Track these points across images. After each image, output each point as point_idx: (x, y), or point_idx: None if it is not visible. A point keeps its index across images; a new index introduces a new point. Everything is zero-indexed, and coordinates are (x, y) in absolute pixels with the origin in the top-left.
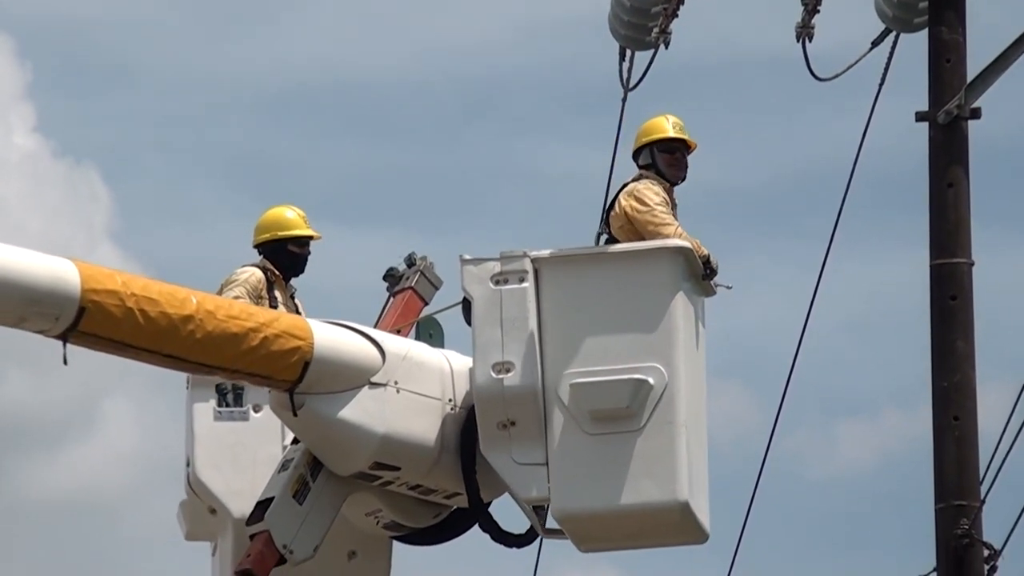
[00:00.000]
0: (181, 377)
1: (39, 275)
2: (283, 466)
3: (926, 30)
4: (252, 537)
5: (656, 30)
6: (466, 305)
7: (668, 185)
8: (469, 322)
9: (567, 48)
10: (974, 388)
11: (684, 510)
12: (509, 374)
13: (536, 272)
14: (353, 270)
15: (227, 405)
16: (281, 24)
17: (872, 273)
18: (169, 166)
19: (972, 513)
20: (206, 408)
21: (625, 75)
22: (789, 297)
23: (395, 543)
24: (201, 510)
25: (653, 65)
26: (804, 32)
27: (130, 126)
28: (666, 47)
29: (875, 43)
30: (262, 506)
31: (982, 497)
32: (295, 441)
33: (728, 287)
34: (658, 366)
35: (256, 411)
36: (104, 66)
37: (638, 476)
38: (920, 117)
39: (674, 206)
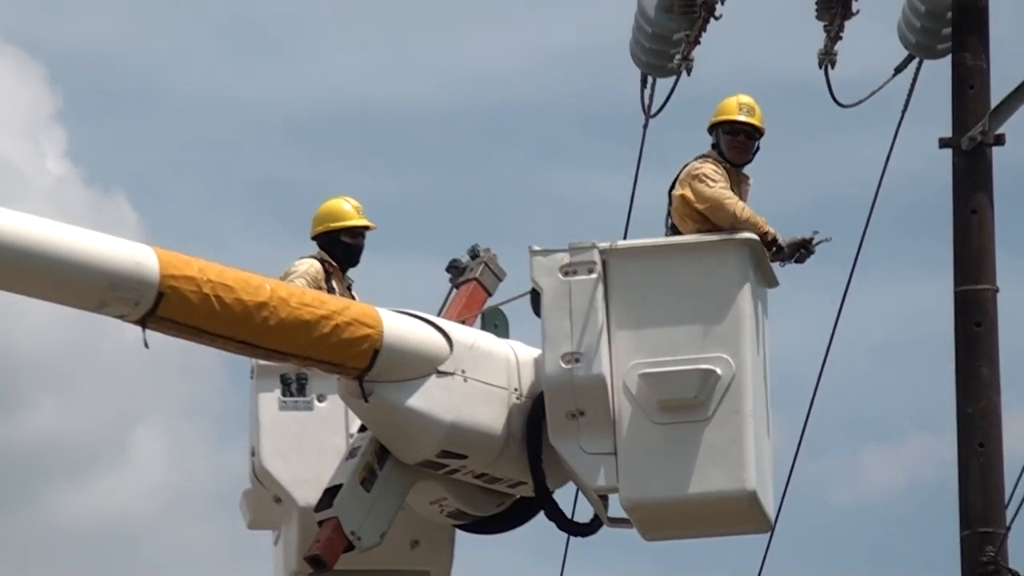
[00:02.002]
0: (210, 406)
1: (120, 260)
2: (351, 453)
3: (949, 56)
4: (320, 524)
5: (678, 57)
6: (535, 296)
7: (729, 166)
8: (538, 313)
9: (591, 74)
10: (999, 415)
11: (751, 499)
12: (578, 364)
13: (604, 263)
14: (377, 296)
15: (291, 395)
16: (306, 51)
17: (896, 299)
18: (195, 192)
19: (998, 540)
20: (271, 398)
21: (647, 101)
22: (813, 322)
23: (458, 533)
24: (265, 499)
25: (676, 91)
26: (827, 58)
27: (157, 152)
28: (688, 74)
29: (898, 69)
30: (330, 493)
31: (1008, 524)
32: (362, 429)
33: (827, 239)
34: (726, 356)
35: (320, 401)
36: (131, 93)
37: (706, 465)
38: (944, 143)
39: (740, 184)
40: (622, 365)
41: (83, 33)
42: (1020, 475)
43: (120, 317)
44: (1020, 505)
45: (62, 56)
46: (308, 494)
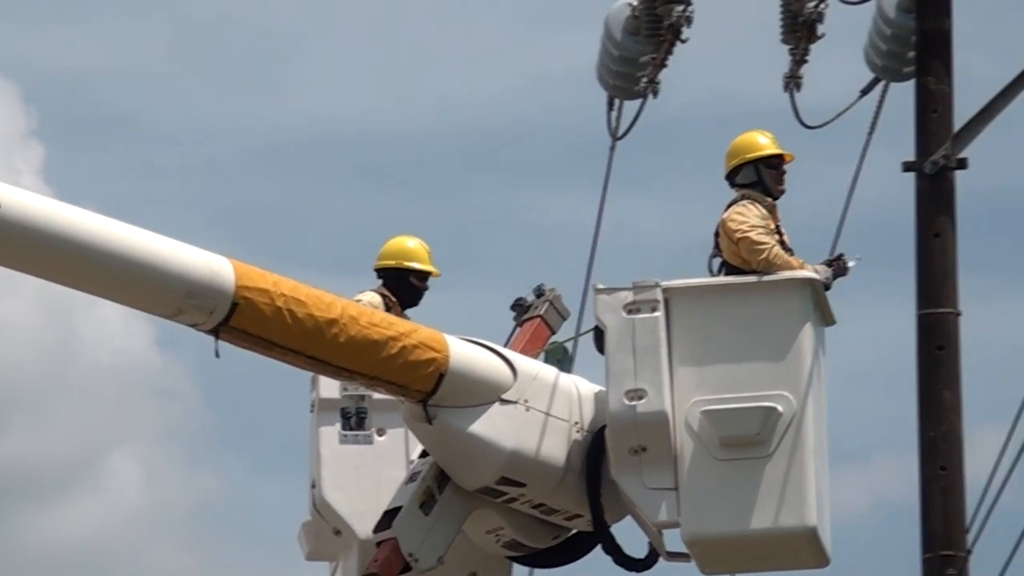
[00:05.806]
0: (184, 430)
1: (198, 268)
2: (411, 478)
3: (914, 80)
4: (379, 544)
5: (645, 80)
6: (598, 333)
7: (771, 201)
8: (601, 350)
9: (566, 99)
10: (961, 438)
11: (812, 535)
12: (641, 401)
13: (667, 301)
14: None
15: (351, 428)
16: (284, 77)
17: (861, 323)
18: (170, 216)
19: (959, 563)
20: (331, 432)
21: (613, 124)
22: None
23: (515, 568)
24: (325, 531)
25: (643, 114)
26: (792, 82)
27: (132, 175)
28: (655, 96)
29: (864, 92)
30: (389, 515)
31: (968, 547)
32: (423, 454)
33: (859, 258)
34: (787, 394)
35: (380, 435)
36: (108, 117)
37: (767, 501)
38: (907, 167)
39: (777, 220)
40: (684, 402)
41: (60, 54)
42: (981, 498)
43: (194, 325)
44: (981, 528)
45: (37, 76)
46: (367, 526)
